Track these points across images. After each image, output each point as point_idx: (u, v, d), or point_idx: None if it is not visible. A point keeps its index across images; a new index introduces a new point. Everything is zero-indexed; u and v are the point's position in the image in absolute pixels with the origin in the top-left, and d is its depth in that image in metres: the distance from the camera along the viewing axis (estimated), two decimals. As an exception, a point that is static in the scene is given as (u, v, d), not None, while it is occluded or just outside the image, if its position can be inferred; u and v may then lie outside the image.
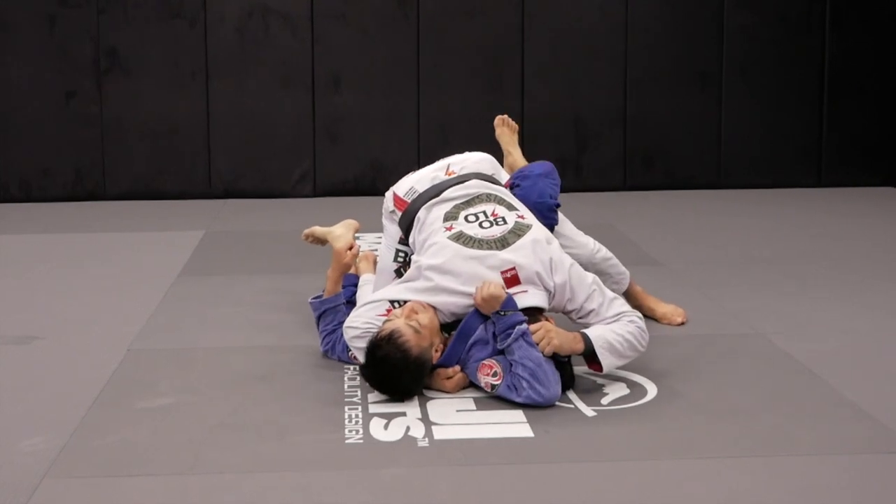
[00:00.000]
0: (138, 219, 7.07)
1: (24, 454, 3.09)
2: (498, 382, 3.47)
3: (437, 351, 3.53)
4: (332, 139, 7.90)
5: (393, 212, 4.05)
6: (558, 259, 3.65)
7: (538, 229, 3.75)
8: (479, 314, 3.56)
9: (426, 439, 3.20)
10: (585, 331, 3.56)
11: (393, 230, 4.07)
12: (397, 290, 3.68)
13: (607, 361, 3.53)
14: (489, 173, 4.08)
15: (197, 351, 4.12)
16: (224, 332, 4.37)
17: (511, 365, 3.44)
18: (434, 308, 3.57)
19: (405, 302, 3.59)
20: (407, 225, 3.94)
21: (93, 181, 7.78)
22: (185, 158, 7.83)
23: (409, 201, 3.96)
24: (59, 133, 7.72)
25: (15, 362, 4.00)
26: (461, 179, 3.96)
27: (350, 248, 4.04)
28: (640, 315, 3.66)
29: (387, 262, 4.08)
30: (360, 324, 3.60)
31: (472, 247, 3.64)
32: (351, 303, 4.01)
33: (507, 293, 3.51)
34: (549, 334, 3.47)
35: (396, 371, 3.41)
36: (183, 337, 4.31)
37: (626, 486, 2.89)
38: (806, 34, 8.02)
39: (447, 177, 4.00)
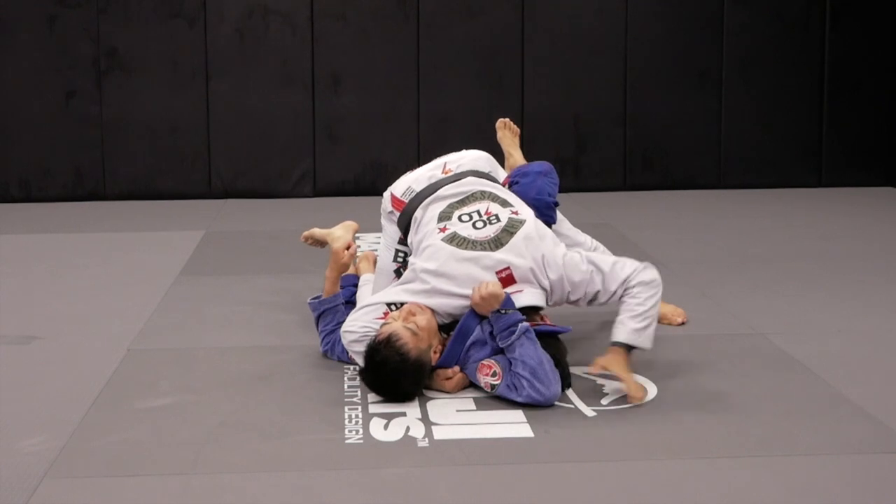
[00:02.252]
0: (138, 219, 7.07)
1: (24, 454, 3.09)
2: (497, 382, 3.47)
3: (435, 352, 3.53)
4: (332, 139, 7.90)
5: (391, 212, 4.05)
6: (550, 254, 3.64)
7: (530, 224, 3.72)
8: (475, 314, 3.55)
9: (426, 439, 3.19)
10: (614, 339, 3.55)
11: (392, 230, 4.07)
12: (394, 292, 3.67)
13: (646, 341, 3.56)
14: (486, 170, 4.07)
15: (197, 351, 4.12)
16: (224, 332, 4.37)
17: (511, 364, 3.44)
18: (432, 309, 3.57)
19: (402, 304, 3.58)
20: (405, 225, 3.93)
21: (93, 181, 7.78)
22: (185, 158, 7.82)
23: (407, 201, 3.95)
24: (58, 133, 7.71)
25: (15, 362, 4.00)
26: (457, 177, 3.95)
27: (348, 248, 4.04)
28: (642, 265, 3.65)
29: (386, 262, 4.08)
30: (358, 328, 3.59)
31: (466, 248, 3.63)
32: (351, 303, 4.01)
33: (505, 292, 3.51)
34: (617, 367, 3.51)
35: (395, 374, 3.40)
36: (183, 337, 4.31)
37: (625, 486, 2.89)
38: (805, 33, 8.02)
39: (444, 175, 4.00)
